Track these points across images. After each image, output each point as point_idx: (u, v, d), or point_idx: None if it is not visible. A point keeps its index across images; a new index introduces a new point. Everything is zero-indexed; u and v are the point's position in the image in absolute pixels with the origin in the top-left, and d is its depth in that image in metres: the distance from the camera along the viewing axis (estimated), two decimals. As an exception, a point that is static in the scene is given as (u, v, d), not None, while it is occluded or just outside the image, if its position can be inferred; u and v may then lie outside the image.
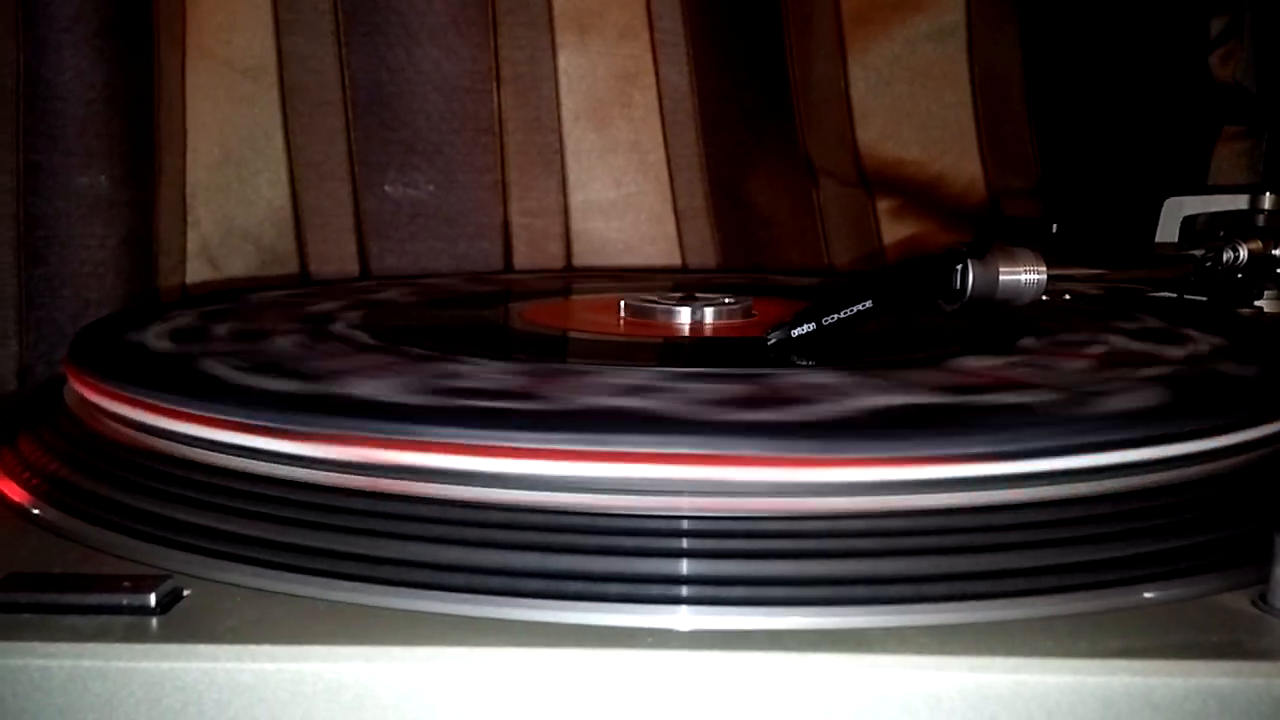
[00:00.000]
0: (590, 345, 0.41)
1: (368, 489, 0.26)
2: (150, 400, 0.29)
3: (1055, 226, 0.40)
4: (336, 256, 0.66)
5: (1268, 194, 0.52)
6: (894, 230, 0.75)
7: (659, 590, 0.24)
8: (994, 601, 0.23)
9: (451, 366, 0.33)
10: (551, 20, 0.68)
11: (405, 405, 0.28)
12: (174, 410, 0.29)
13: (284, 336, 0.38)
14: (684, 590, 0.24)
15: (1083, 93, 0.74)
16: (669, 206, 0.71)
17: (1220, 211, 0.53)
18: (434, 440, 0.26)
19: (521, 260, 0.68)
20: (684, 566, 0.24)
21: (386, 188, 0.65)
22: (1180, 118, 0.71)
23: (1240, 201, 0.53)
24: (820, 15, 0.73)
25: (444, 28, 0.64)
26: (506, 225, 0.68)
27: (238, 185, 0.65)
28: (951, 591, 0.23)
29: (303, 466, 0.27)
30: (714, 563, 0.24)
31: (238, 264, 0.66)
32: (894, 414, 0.28)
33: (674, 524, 0.25)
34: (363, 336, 0.38)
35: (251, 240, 0.66)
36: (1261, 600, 0.23)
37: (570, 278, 0.66)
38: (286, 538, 0.25)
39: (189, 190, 0.65)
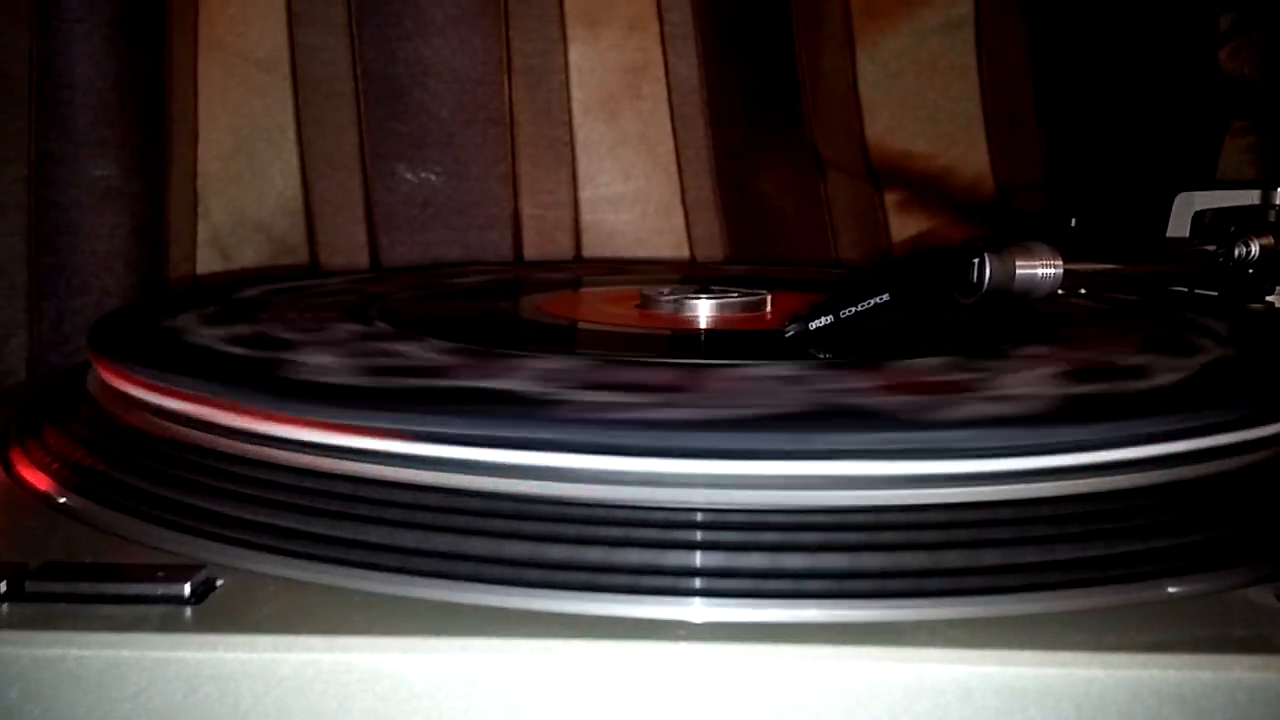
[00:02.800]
0: (602, 337, 0.41)
1: (402, 480, 0.26)
2: (183, 389, 0.29)
3: (1074, 221, 0.41)
4: (347, 247, 0.66)
5: (1279, 189, 0.52)
6: (901, 223, 0.75)
7: (680, 583, 0.24)
8: (1023, 594, 0.23)
9: (480, 362, 0.33)
10: (562, 13, 0.68)
11: (437, 399, 0.28)
12: (207, 399, 0.29)
13: (317, 328, 0.38)
14: (698, 582, 0.24)
15: (1091, 86, 0.74)
16: (677, 199, 0.72)
17: (1231, 207, 0.53)
18: (463, 434, 0.26)
19: (531, 251, 0.68)
20: (697, 558, 0.24)
21: (397, 178, 0.66)
22: (1189, 112, 0.71)
23: (1251, 197, 0.53)
24: (829, 9, 0.73)
25: (455, 20, 0.64)
26: (517, 216, 0.68)
27: (249, 176, 0.65)
28: (981, 585, 0.24)
29: (337, 457, 0.27)
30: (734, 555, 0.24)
31: (248, 254, 0.66)
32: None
33: (690, 516, 0.25)
34: (388, 328, 0.38)
35: (262, 231, 0.66)
36: (1286, 594, 0.24)
37: (581, 269, 0.66)
38: (320, 529, 0.25)
39: (200, 181, 0.65)
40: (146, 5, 0.58)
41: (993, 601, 0.23)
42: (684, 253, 0.72)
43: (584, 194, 0.70)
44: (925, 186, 0.75)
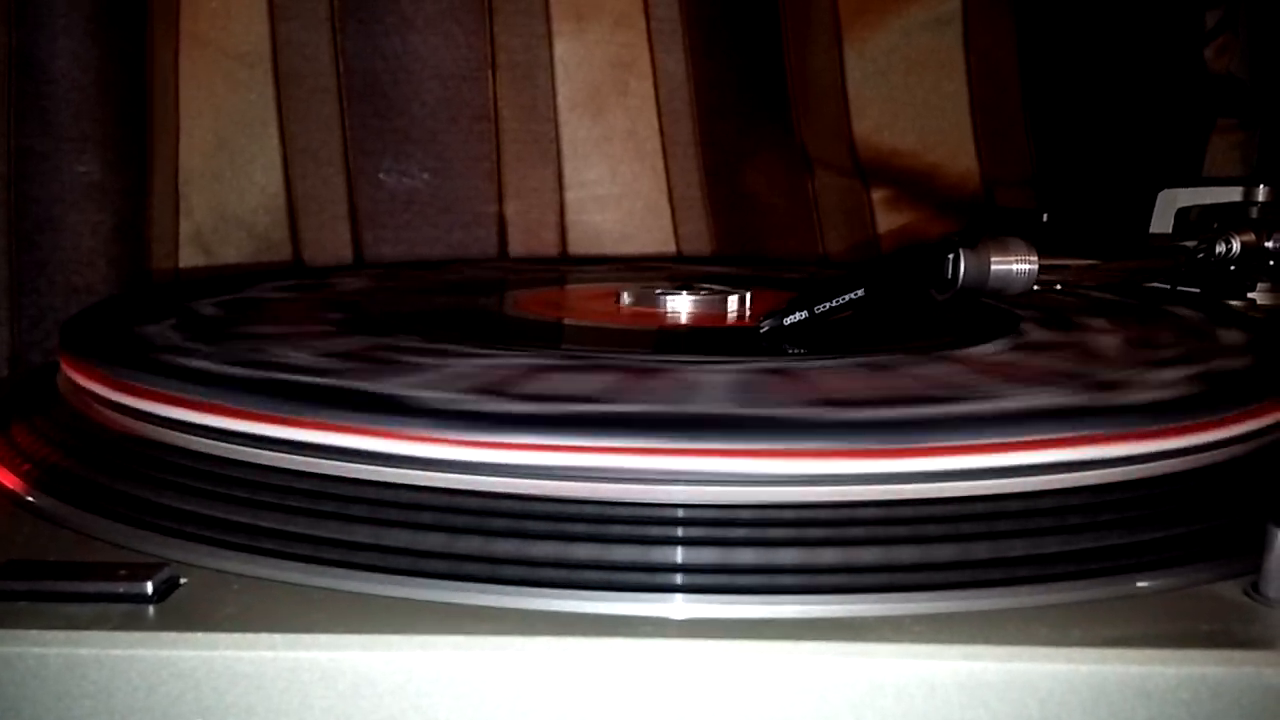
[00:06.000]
0: (584, 333, 0.41)
1: (369, 478, 0.26)
2: (146, 387, 0.29)
3: (1046, 216, 0.40)
4: (331, 244, 0.66)
5: (1261, 186, 0.52)
6: (889, 220, 0.75)
7: (654, 579, 0.24)
8: (988, 590, 0.23)
9: (455, 360, 0.33)
10: (548, 8, 0.68)
11: (401, 398, 0.28)
12: (170, 397, 0.29)
13: (284, 325, 0.38)
14: (678, 578, 0.24)
15: (1079, 84, 0.74)
16: (665, 196, 0.71)
17: (1214, 203, 0.53)
18: (439, 436, 0.25)
19: (516, 249, 0.68)
20: (678, 555, 0.24)
21: (381, 175, 0.65)
22: (1175, 110, 0.71)
23: (1234, 194, 0.53)
24: (817, 5, 0.73)
25: (440, 15, 0.64)
26: (501, 214, 0.68)
27: (231, 172, 0.65)
28: (946, 580, 0.24)
29: (300, 454, 0.27)
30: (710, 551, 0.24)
31: (231, 251, 0.66)
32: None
33: (670, 513, 0.25)
34: (360, 326, 0.38)
35: (245, 227, 0.66)
36: (1253, 589, 0.24)
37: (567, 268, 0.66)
38: (284, 526, 0.25)
39: (182, 177, 0.65)
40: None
41: (958, 597, 0.23)
42: (671, 249, 0.72)
43: (570, 191, 0.70)
44: (913, 183, 0.75)
